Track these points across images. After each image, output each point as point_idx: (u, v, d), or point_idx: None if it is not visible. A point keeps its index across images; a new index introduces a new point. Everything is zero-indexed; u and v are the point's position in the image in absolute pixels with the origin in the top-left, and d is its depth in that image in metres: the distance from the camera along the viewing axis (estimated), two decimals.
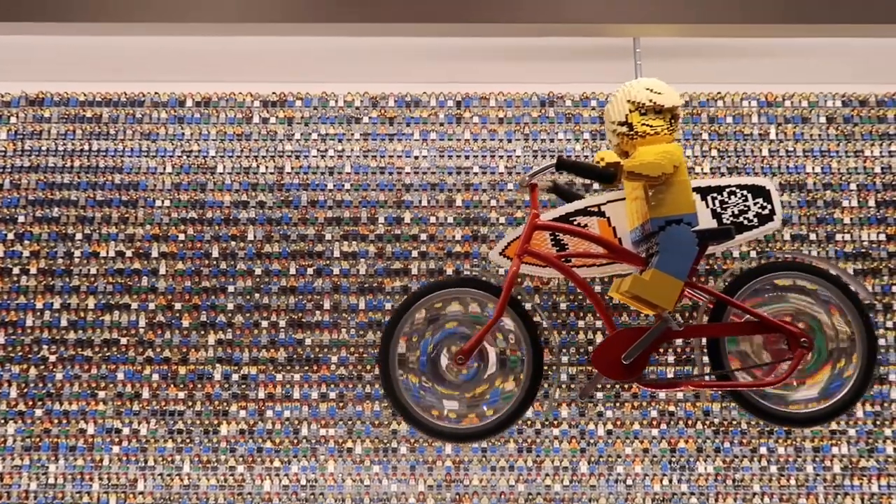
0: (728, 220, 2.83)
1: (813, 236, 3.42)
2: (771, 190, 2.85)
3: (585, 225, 2.86)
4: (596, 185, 3.41)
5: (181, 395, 3.29)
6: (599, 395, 3.29)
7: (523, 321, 2.68)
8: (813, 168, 3.49)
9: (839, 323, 2.74)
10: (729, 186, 2.86)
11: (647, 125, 2.66)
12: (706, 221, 2.82)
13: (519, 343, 2.70)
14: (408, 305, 2.69)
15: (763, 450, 3.27)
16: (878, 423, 3.29)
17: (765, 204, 2.84)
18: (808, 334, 2.64)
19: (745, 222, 2.83)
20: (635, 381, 2.66)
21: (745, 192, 2.85)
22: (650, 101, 2.67)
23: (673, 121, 2.72)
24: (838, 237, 3.41)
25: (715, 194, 2.85)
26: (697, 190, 2.85)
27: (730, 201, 2.85)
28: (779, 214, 2.83)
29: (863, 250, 3.41)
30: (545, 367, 2.72)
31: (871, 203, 3.45)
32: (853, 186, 3.47)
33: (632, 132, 2.68)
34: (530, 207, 2.65)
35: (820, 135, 3.52)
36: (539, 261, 2.72)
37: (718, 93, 3.53)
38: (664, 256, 2.58)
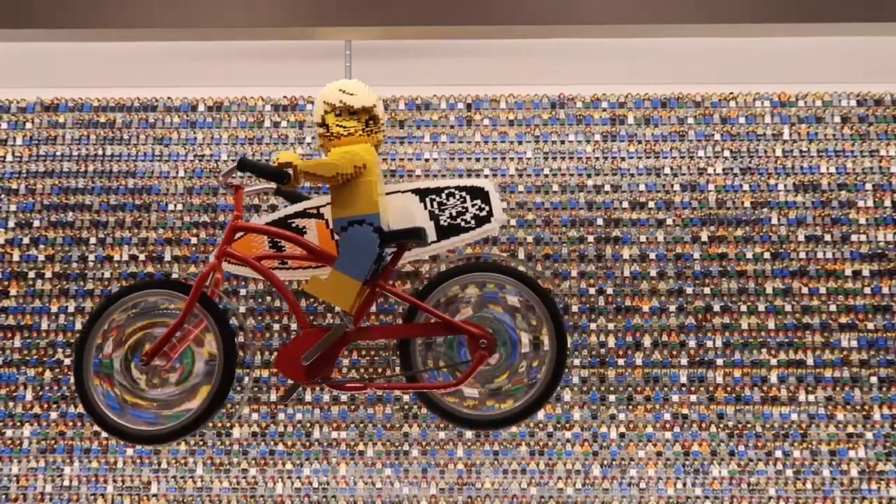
0: (446, 221, 2.79)
1: (828, 237, 3.38)
2: (490, 191, 2.81)
3: (303, 227, 2.84)
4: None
5: None
6: (612, 397, 3.27)
7: (218, 326, 2.63)
8: (827, 168, 3.45)
9: (532, 323, 2.73)
10: (448, 188, 2.82)
11: (341, 126, 2.66)
12: (423, 223, 2.79)
13: (216, 347, 2.66)
14: (104, 308, 2.67)
15: (778, 453, 3.23)
16: None
17: (483, 206, 2.80)
18: (489, 335, 2.62)
19: (463, 224, 2.80)
20: (319, 383, 2.67)
21: (463, 194, 2.81)
22: (341, 101, 2.67)
23: (371, 122, 2.70)
24: (854, 238, 3.37)
25: (433, 196, 2.82)
26: (416, 192, 2.82)
27: (448, 203, 2.81)
28: (497, 216, 2.80)
29: (879, 251, 3.37)
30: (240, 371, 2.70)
31: (888, 203, 3.41)
32: (868, 186, 3.43)
33: (328, 133, 2.68)
34: (234, 210, 2.64)
35: (834, 134, 3.48)
36: (238, 262, 2.71)
37: (731, 93, 3.51)
38: (342, 257, 2.58)
